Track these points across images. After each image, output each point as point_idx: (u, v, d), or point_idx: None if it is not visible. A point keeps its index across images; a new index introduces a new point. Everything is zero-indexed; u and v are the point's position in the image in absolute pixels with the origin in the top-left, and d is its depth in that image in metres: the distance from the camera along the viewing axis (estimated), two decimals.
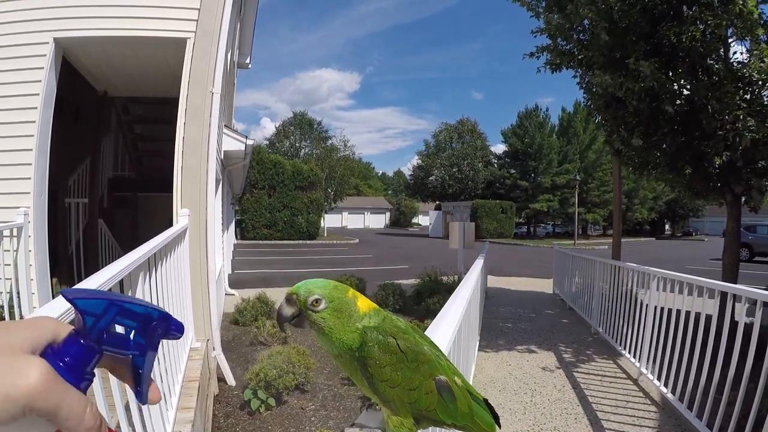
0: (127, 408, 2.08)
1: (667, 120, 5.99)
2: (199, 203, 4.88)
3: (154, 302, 2.75)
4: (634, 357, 5.14)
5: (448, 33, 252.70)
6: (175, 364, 3.13)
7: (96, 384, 1.75)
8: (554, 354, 6.14)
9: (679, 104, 5.80)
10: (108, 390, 1.85)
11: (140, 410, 2.22)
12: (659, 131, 6.12)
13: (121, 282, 2.07)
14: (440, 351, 1.03)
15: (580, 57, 6.81)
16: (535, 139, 46.25)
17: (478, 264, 5.51)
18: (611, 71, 5.94)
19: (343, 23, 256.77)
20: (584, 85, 7.38)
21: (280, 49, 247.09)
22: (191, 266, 4.49)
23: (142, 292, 2.41)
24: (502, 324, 7.86)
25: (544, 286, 12.22)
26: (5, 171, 4.78)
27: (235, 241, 26.09)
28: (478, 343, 6.01)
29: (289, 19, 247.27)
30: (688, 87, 5.72)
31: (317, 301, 0.92)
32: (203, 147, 4.99)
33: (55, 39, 4.94)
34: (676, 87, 5.77)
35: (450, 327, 1.86)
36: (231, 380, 4.83)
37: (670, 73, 5.74)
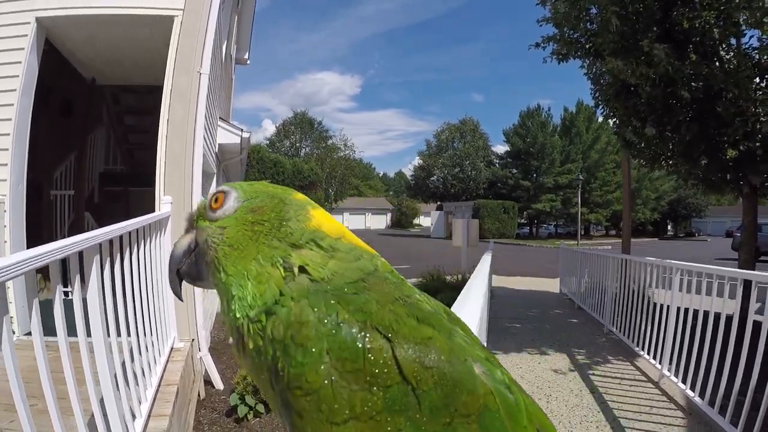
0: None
1: (682, 107, 5.69)
2: (183, 191, 4.58)
3: (121, 294, 2.40)
4: (654, 358, 4.77)
5: (449, 35, 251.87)
6: (148, 367, 2.77)
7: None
8: (567, 356, 5.77)
9: (695, 89, 5.48)
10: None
11: (103, 417, 1.92)
12: (674, 119, 5.81)
13: (64, 263, 1.76)
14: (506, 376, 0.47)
15: (588, 46, 6.54)
16: (537, 139, 46.07)
17: (487, 259, 5.15)
18: (623, 57, 5.62)
19: (343, 26, 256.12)
20: (592, 76, 7.10)
21: (281, 51, 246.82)
22: None
23: (100, 280, 2.04)
24: (509, 324, 7.50)
25: (550, 285, 11.88)
26: None
27: None
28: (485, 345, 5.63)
29: (290, 20, 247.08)
30: (704, 73, 5.40)
31: (219, 197, 0.51)
32: (189, 131, 4.69)
33: (37, 18, 4.63)
34: (691, 72, 5.46)
35: (477, 306, 1.50)
36: (219, 384, 4.46)
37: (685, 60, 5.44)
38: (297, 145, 52.67)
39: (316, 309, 0.42)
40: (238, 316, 0.46)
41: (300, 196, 0.55)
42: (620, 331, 6.06)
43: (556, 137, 46.65)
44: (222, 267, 0.48)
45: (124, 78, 7.43)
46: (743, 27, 5.43)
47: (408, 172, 73.13)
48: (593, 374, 5.01)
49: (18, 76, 4.48)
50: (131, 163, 10.17)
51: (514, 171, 49.64)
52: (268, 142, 53.85)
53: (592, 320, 7.57)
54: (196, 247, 0.50)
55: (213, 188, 7.54)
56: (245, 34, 14.06)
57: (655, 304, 4.87)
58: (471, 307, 1.47)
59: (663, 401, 4.23)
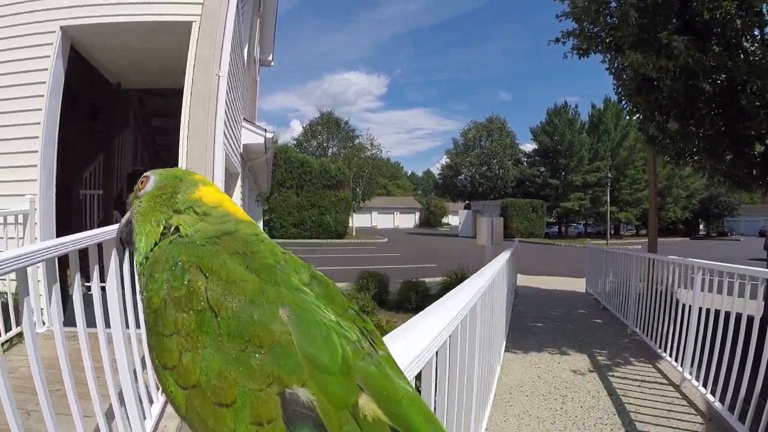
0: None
1: (704, 100, 5.52)
2: None
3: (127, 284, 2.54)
4: (676, 360, 4.66)
5: (474, 33, 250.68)
6: None
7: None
8: (587, 356, 5.68)
9: (717, 81, 5.34)
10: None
11: (120, 402, 2.07)
12: (696, 113, 5.65)
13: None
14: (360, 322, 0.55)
15: (608, 40, 6.41)
16: (565, 137, 45.40)
17: (504, 255, 5.11)
18: (642, 50, 5.50)
19: (368, 26, 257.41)
20: (613, 71, 6.96)
21: (308, 52, 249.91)
22: None
23: (119, 273, 2.14)
24: (532, 324, 7.42)
25: (577, 285, 11.69)
26: (11, 159, 4.73)
27: None
28: (504, 344, 5.61)
29: (315, 22, 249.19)
30: (727, 65, 5.24)
31: (144, 180, 0.67)
32: (209, 132, 4.81)
33: (61, 27, 4.87)
34: (713, 64, 5.30)
35: (460, 301, 1.51)
36: None
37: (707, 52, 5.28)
38: (324, 144, 53.05)
39: (167, 252, 0.55)
40: (136, 263, 0.61)
41: (198, 177, 0.67)
42: (643, 332, 5.94)
43: (584, 135, 45.87)
44: (135, 229, 0.63)
45: (149, 82, 7.63)
46: (766, 16, 5.26)
47: (436, 171, 73.04)
48: (612, 376, 4.92)
49: (45, 82, 4.71)
50: (159, 164, 10.41)
51: (542, 169, 49.03)
52: (295, 142, 54.41)
53: (616, 321, 7.44)
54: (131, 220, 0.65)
55: (238, 187, 7.73)
56: (268, 37, 14.22)
57: (678, 305, 4.76)
58: (452, 303, 1.47)
59: (683, 405, 4.11)
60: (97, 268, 2.01)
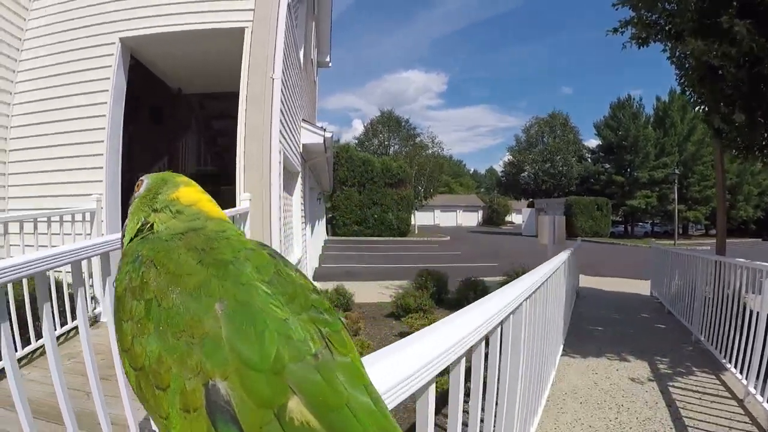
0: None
1: None
2: (261, 188, 4.88)
3: None
4: (741, 372, 4.36)
5: (533, 26, 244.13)
6: None
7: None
8: (647, 363, 5.41)
9: None
10: None
11: None
12: (764, 103, 5.25)
13: None
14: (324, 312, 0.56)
15: (667, 27, 6.08)
16: (629, 132, 43.38)
17: (561, 256, 4.96)
18: (703, 36, 5.19)
19: (425, 23, 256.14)
20: (675, 60, 6.60)
21: (368, 52, 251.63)
22: None
23: None
24: (592, 327, 7.16)
25: (641, 287, 11.14)
26: (78, 161, 5.11)
27: (326, 237, 26.70)
28: (562, 347, 5.47)
29: (372, 22, 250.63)
30: None
31: (139, 183, 0.72)
32: (265, 132, 4.99)
33: (120, 39, 5.22)
34: None
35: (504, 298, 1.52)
36: None
37: None
38: (386, 143, 53.43)
39: (134, 247, 0.60)
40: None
41: (182, 179, 0.71)
42: (708, 340, 5.61)
43: (649, 129, 43.56)
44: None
45: (207, 86, 7.98)
46: None
47: (498, 168, 71.72)
48: (673, 386, 4.66)
49: (107, 90, 5.09)
50: (221, 164, 10.84)
51: (607, 166, 47.08)
52: (357, 141, 55.07)
53: (680, 326, 7.05)
54: None
55: (298, 185, 7.93)
56: (325, 39, 14.47)
57: (746, 312, 4.47)
58: (485, 307, 1.44)
59: (744, 422, 3.81)
60: None
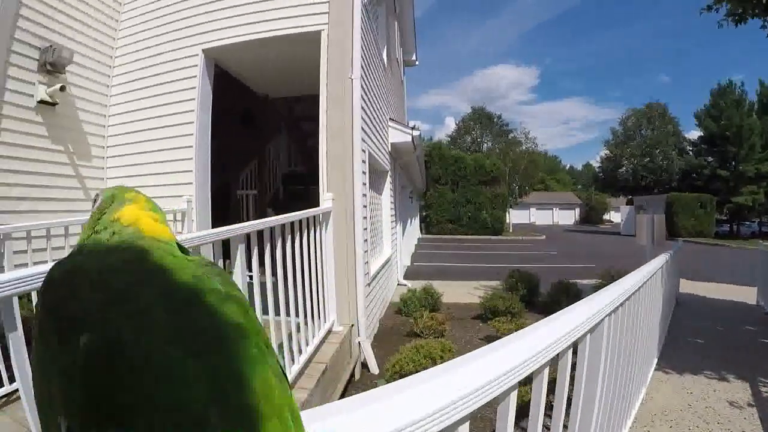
0: None
1: None
2: (344, 188, 4.94)
3: (269, 273, 3.00)
4: None
5: (623, 11, 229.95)
6: (298, 345, 3.15)
7: None
8: (749, 386, 4.71)
9: None
10: None
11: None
12: None
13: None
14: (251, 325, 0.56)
15: (765, 0, 5.52)
16: (732, 121, 38.62)
17: (658, 260, 4.58)
18: None
19: (511, 17, 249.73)
20: None
21: (457, 49, 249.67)
22: (336, 250, 4.60)
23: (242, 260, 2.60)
24: (691, 339, 6.42)
25: (746, 295, 9.91)
26: (170, 165, 5.54)
27: (420, 236, 26.80)
28: (656, 361, 5.01)
29: (457, 19, 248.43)
30: None
31: (96, 198, 0.71)
32: (346, 133, 5.05)
33: (203, 50, 5.57)
34: None
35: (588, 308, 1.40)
36: (374, 368, 4.75)
37: None
38: (478, 140, 52.79)
39: (59, 264, 0.59)
40: None
41: (130, 194, 0.70)
42: None
43: (753, 117, 38.46)
44: None
45: (293, 90, 8.32)
46: None
47: (595, 163, 68.04)
48: None
49: (194, 99, 5.47)
50: (310, 165, 11.26)
51: (710, 159, 42.43)
52: (449, 139, 54.84)
53: None
54: None
55: (387, 184, 8.08)
56: (409, 38, 14.53)
57: None
58: (558, 323, 1.36)
59: None
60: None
